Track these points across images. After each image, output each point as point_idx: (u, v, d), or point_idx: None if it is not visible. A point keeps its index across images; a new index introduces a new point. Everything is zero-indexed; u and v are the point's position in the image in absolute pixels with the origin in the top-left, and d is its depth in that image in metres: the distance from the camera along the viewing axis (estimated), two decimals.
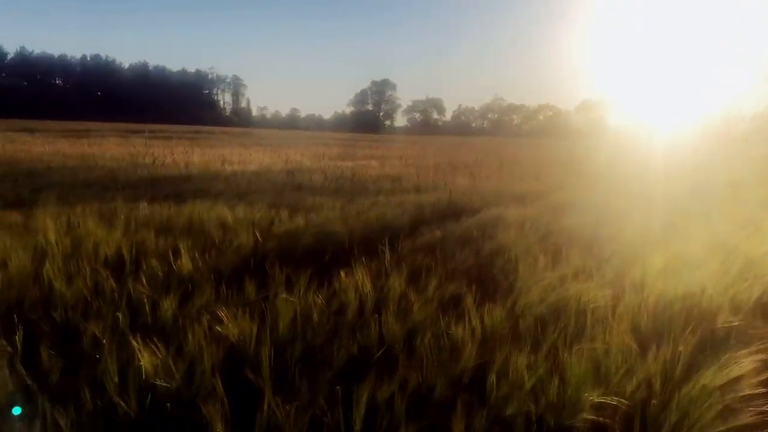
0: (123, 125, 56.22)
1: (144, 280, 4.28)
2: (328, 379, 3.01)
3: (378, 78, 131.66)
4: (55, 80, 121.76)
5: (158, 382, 2.77)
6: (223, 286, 4.36)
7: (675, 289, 4.55)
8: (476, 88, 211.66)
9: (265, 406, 2.62)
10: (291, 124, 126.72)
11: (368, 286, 4.37)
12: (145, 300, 3.83)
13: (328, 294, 4.25)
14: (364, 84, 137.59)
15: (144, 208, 7.10)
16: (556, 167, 18.75)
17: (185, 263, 4.71)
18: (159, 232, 5.76)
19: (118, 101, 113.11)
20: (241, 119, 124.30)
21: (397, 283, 4.47)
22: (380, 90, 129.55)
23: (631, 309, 4.32)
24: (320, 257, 5.43)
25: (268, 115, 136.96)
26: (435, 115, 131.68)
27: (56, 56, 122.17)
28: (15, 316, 3.35)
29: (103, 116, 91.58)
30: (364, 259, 5.11)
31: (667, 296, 4.54)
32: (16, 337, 3.14)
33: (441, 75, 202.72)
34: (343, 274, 4.54)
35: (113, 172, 11.16)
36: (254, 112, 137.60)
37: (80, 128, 38.34)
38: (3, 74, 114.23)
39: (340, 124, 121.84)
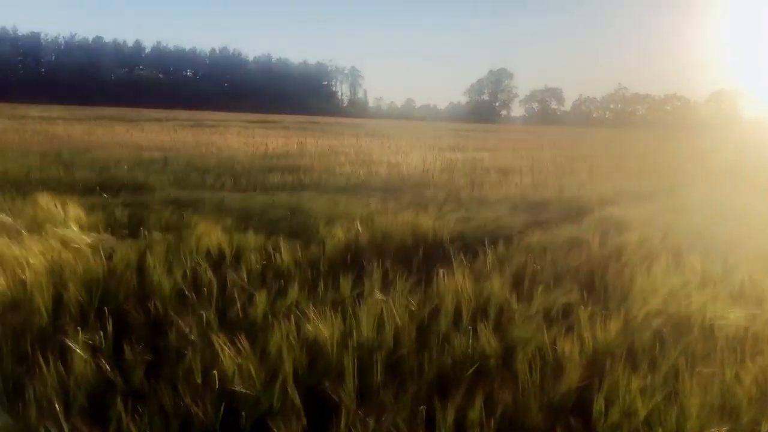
0: (245, 115, 58.52)
1: (241, 273, 4.24)
2: (414, 393, 2.79)
3: (495, 67, 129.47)
4: (187, 72, 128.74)
5: (236, 388, 2.66)
6: (319, 282, 4.25)
7: None
8: (598, 78, 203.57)
9: (342, 424, 2.44)
10: (406, 114, 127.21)
11: (468, 290, 4.11)
12: (237, 294, 3.76)
13: (424, 296, 4.03)
14: (481, 74, 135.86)
15: (250, 197, 7.20)
16: (682, 162, 17.49)
17: (284, 256, 4.63)
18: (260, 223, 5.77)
19: (243, 92, 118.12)
20: (357, 110, 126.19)
21: (499, 287, 4.18)
22: (497, 79, 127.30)
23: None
24: (419, 255, 5.20)
25: (384, 106, 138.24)
26: (554, 105, 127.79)
27: (187, 49, 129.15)
28: (106, 307, 3.36)
29: (228, 107, 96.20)
30: (464, 260, 4.86)
31: None
32: (107, 328, 3.13)
33: (561, 65, 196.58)
34: (441, 274, 4.31)
35: (229, 160, 11.45)
36: (370, 103, 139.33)
37: (206, 118, 40.21)
38: (141, 67, 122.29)
39: (455, 114, 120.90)
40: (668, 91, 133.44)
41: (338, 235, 5.39)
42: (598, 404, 2.85)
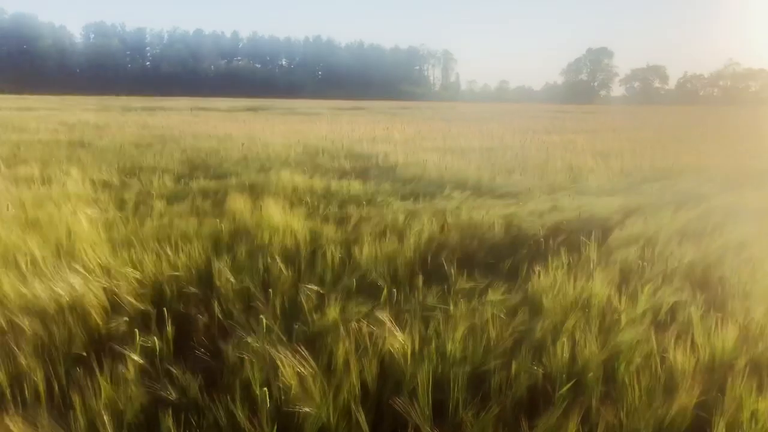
0: (337, 102, 59.07)
1: (315, 272, 4.00)
2: (498, 414, 2.44)
3: (594, 46, 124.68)
4: (282, 61, 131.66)
5: (294, 408, 2.38)
6: (402, 281, 3.96)
7: None
8: (705, 54, 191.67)
9: None
10: (500, 96, 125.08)
11: (568, 291, 3.68)
12: (305, 299, 3.45)
13: (516, 299, 3.64)
14: (579, 53, 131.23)
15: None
16: None
17: (365, 252, 4.34)
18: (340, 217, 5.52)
19: (335, 79, 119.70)
20: (450, 94, 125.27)
21: (600, 286, 3.73)
22: (596, 58, 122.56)
23: None
24: (511, 250, 4.80)
25: (477, 89, 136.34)
26: (656, 84, 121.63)
27: (282, 39, 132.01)
28: (166, 309, 3.18)
29: (322, 94, 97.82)
30: (562, 256, 4.43)
31: None
32: (167, 331, 2.95)
33: (664, 41, 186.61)
34: (536, 273, 3.91)
35: (314, 148, 11.35)
36: (463, 86, 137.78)
37: (299, 106, 40.78)
38: (238, 58, 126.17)
39: (551, 95, 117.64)
40: None
41: (420, 229, 5.04)
42: (718, 429, 2.42)
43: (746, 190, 7.37)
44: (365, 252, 4.24)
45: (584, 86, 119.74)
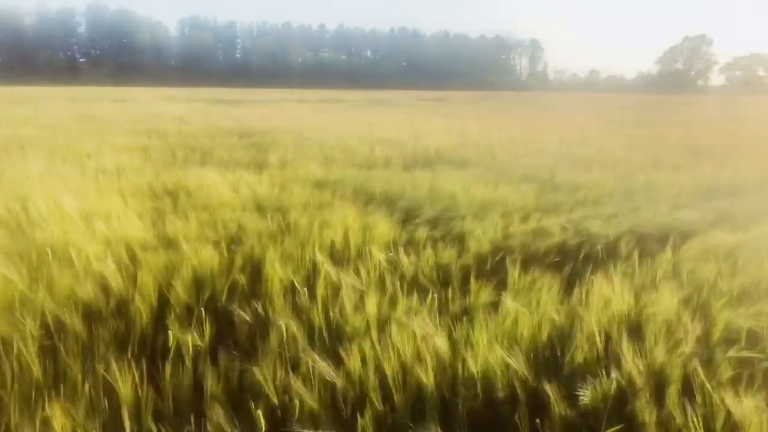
0: (420, 93, 58.75)
1: (360, 270, 3.76)
2: None
3: (692, 33, 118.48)
4: (367, 53, 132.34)
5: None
6: (449, 286, 3.66)
7: None
8: None
9: None
10: (589, 86, 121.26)
11: (626, 303, 3.29)
12: (346, 299, 3.23)
13: (565, 310, 3.27)
14: (675, 41, 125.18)
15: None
16: None
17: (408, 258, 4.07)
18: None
19: (421, 70, 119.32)
20: (537, 83, 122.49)
21: (667, 300, 3.29)
22: (694, 46, 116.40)
23: None
24: (575, 256, 4.41)
25: (565, 78, 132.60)
26: (760, 73, 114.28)
27: (367, 30, 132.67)
28: (203, 308, 3.04)
29: (407, 84, 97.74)
30: (630, 263, 4.02)
31: None
32: (204, 330, 2.79)
33: None
34: (595, 281, 3.53)
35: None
36: (551, 76, 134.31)
37: (381, 97, 40.64)
38: (325, 50, 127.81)
39: (644, 84, 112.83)
40: None
41: (481, 233, 4.71)
42: None
43: None
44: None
45: (680, 75, 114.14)
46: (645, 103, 40.66)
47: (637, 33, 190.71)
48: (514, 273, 3.66)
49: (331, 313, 3.07)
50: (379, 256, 3.92)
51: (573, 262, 4.19)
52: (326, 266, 3.54)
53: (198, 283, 3.46)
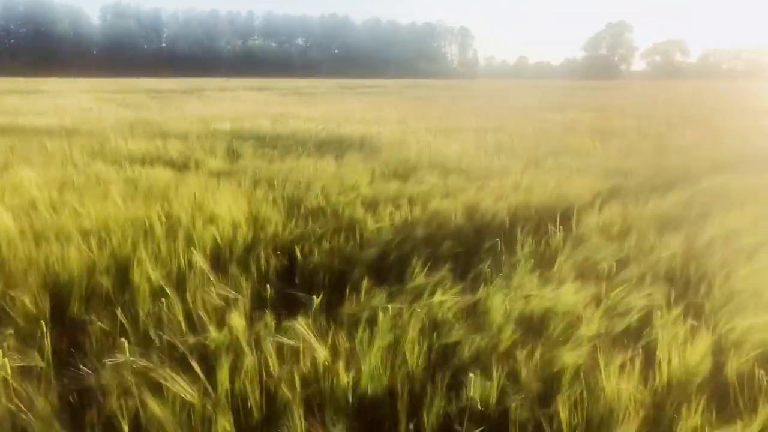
0: (348, 81, 58.44)
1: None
2: None
3: (614, 20, 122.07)
4: (298, 40, 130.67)
5: None
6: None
7: None
8: (726, 28, 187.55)
9: None
10: (518, 72, 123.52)
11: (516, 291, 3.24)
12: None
13: (463, 304, 3.19)
14: (598, 27, 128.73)
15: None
16: None
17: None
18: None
19: (352, 57, 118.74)
20: (467, 70, 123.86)
21: (567, 291, 3.26)
22: (616, 33, 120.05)
23: None
24: (470, 242, 4.37)
25: (495, 65, 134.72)
26: (678, 57, 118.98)
27: (297, 17, 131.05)
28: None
29: (339, 72, 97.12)
30: (526, 246, 4.01)
31: None
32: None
33: (685, 15, 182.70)
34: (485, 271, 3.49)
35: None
36: (481, 63, 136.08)
37: (306, 85, 40.14)
38: (254, 38, 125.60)
39: (571, 70, 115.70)
40: None
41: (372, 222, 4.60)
42: None
43: (748, 173, 6.84)
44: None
45: (604, 61, 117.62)
46: (568, 88, 41.64)
47: (564, 20, 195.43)
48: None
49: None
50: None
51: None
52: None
53: None
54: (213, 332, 2.57)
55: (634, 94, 31.95)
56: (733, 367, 2.61)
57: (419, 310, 2.80)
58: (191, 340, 2.60)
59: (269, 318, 2.66)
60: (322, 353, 2.38)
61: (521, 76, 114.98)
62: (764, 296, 3.21)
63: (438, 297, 3.04)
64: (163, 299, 2.84)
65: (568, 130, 11.16)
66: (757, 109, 18.76)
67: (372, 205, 4.99)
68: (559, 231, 4.28)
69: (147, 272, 3.19)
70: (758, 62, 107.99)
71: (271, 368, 2.35)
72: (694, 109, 19.04)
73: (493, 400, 2.31)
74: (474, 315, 3.05)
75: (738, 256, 3.93)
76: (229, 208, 4.41)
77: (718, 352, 2.69)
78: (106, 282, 3.21)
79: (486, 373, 2.34)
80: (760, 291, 3.29)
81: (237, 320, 2.57)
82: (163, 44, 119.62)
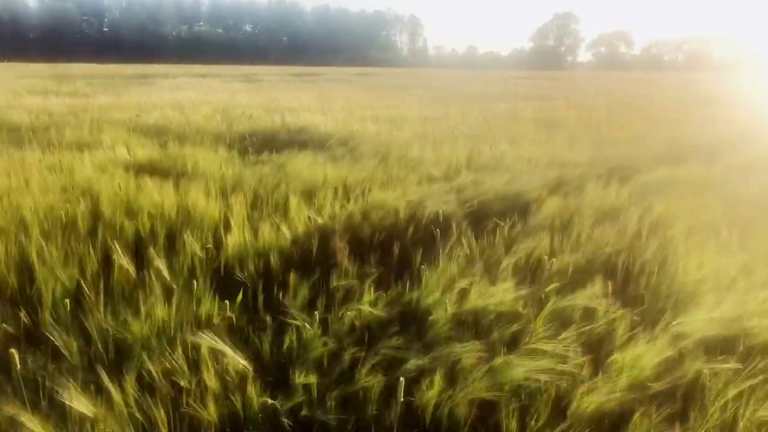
0: (296, 68, 57.69)
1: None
2: None
3: (561, 11, 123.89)
4: (246, 27, 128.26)
5: None
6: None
7: None
8: (669, 19, 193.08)
9: None
10: (468, 62, 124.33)
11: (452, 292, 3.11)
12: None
13: (390, 300, 3.07)
14: (546, 18, 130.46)
15: None
16: (761, 108, 15.65)
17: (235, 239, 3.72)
18: None
19: (302, 45, 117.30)
20: (417, 59, 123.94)
21: (504, 288, 3.15)
22: (563, 23, 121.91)
23: None
24: (404, 239, 4.23)
25: (445, 54, 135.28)
26: (623, 49, 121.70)
27: (245, 2, 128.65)
28: None
29: (288, 60, 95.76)
30: (463, 243, 3.89)
31: None
32: None
33: (630, 6, 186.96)
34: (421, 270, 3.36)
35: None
36: (430, 52, 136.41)
37: (252, 72, 39.26)
38: (201, 24, 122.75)
39: (519, 60, 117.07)
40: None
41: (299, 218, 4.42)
42: None
43: (689, 162, 6.93)
44: None
45: (552, 52, 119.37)
46: (514, 78, 42.04)
47: (513, 10, 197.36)
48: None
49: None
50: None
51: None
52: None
53: None
54: None
55: (578, 85, 32.44)
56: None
57: None
58: None
59: None
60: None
61: (471, 65, 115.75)
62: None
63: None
64: None
65: (512, 120, 11.17)
66: (697, 100, 19.23)
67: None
68: (503, 225, 4.21)
69: None
70: (697, 53, 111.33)
71: None
72: (635, 100, 19.42)
73: None
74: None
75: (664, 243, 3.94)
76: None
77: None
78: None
79: None
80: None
81: None
82: (105, 29, 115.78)
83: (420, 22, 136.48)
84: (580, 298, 3.13)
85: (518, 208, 4.79)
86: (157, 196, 4.37)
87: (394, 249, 3.91)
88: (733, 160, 7.36)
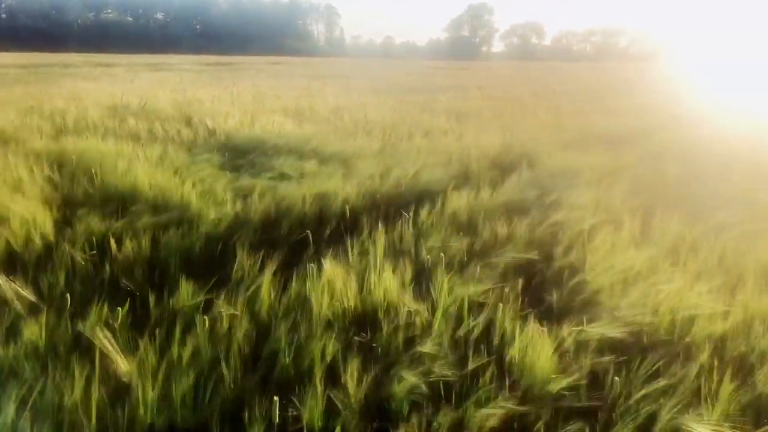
0: (209, 57, 56.13)
1: None
2: None
3: (475, 2, 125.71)
4: (157, 15, 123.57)
5: None
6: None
7: None
8: (580, 11, 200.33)
9: None
10: (385, 52, 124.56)
11: (346, 290, 2.95)
12: None
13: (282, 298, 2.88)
14: (461, 8, 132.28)
15: None
16: (663, 97, 16.28)
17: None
18: None
19: (215, 34, 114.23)
20: (334, 49, 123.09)
21: (390, 282, 3.00)
22: (477, 14, 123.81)
23: None
24: (318, 230, 4.06)
25: (362, 44, 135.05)
26: (534, 40, 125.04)
27: None
28: None
29: (202, 49, 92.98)
30: (366, 236, 3.74)
31: None
32: None
33: None
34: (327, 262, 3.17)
35: None
36: (348, 42, 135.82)
37: (161, 62, 37.71)
38: (108, 11, 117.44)
39: (435, 51, 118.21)
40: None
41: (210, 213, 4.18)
42: None
43: (596, 150, 7.01)
44: None
45: (466, 42, 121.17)
46: (430, 68, 42.34)
47: (429, 0, 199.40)
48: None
49: None
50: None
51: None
52: None
53: None
54: None
55: (490, 75, 33.02)
56: None
57: None
58: None
59: None
60: None
61: (388, 55, 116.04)
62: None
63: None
64: None
65: (424, 110, 11.12)
66: (601, 90, 19.86)
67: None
68: (406, 218, 4.07)
69: None
70: (604, 45, 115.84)
71: None
72: (546, 89, 19.87)
73: None
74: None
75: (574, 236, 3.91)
76: None
77: None
78: None
79: None
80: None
81: None
82: (3, 15, 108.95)
83: (336, 12, 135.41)
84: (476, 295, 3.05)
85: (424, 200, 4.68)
86: None
87: None
88: (641, 147, 7.53)
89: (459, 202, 4.53)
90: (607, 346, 2.61)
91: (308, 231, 3.83)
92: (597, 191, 4.93)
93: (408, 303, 2.82)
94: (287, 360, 2.41)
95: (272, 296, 2.83)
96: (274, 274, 2.88)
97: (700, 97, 15.87)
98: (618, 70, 45.29)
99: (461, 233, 3.91)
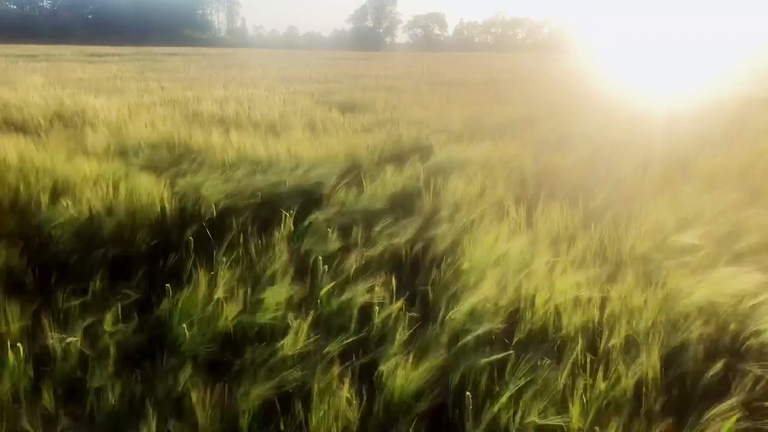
0: (97, 48, 53.35)
1: None
2: None
3: None
4: (43, 3, 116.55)
5: None
6: None
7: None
8: (481, 2, 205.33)
9: None
10: (289, 42, 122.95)
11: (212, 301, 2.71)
12: None
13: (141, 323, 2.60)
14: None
15: None
16: (557, 87, 16.70)
17: None
18: None
19: (110, 24, 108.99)
20: (236, 40, 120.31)
21: (275, 297, 2.81)
22: (380, 5, 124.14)
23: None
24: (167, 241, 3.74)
25: (265, 35, 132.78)
26: (437, 31, 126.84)
27: None
28: None
29: (94, 39, 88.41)
30: (239, 242, 3.50)
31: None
32: None
33: None
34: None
35: None
36: (250, 32, 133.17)
37: (37, 53, 35.11)
38: None
39: (340, 41, 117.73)
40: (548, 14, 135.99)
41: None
42: None
43: (484, 140, 6.97)
44: None
45: (370, 33, 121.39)
46: (332, 58, 42.03)
47: None
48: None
49: None
50: None
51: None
52: None
53: None
54: None
55: (390, 65, 33.15)
56: None
57: None
58: None
59: None
60: None
61: (292, 46, 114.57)
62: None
63: None
64: None
65: (317, 102, 10.85)
66: (499, 78, 20.25)
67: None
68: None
69: None
70: (503, 36, 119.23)
71: None
72: (440, 77, 20.09)
73: None
74: None
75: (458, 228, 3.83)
76: None
77: None
78: None
79: None
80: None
81: None
82: None
83: (237, 1, 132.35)
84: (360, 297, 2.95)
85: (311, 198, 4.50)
86: None
87: None
88: (532, 134, 7.57)
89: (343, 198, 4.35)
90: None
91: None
92: (482, 181, 4.85)
93: None
94: None
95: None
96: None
97: (594, 86, 16.36)
98: (512, 59, 46.65)
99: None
